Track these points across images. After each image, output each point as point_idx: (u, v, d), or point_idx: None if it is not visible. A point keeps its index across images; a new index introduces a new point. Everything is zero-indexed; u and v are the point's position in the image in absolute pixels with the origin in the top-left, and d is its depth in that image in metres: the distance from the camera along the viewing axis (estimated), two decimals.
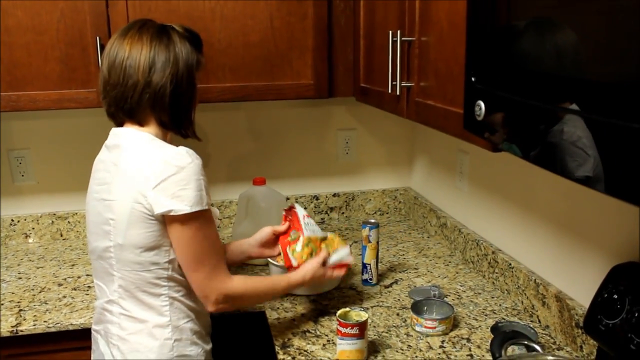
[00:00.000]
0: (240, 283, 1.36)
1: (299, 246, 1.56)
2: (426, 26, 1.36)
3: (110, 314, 1.34)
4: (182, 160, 1.23)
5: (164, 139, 1.34)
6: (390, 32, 1.47)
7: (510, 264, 1.66)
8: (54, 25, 1.72)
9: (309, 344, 1.48)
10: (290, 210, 1.65)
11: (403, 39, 1.44)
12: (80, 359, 1.64)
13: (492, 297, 1.69)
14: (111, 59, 1.29)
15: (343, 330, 1.38)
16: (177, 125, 1.34)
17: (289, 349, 1.45)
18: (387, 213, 2.43)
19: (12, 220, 2.14)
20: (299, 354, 1.43)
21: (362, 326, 1.38)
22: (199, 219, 1.24)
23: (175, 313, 1.33)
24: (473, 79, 1.01)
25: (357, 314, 1.42)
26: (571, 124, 0.74)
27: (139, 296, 1.30)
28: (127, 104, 1.29)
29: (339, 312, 1.42)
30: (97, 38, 1.72)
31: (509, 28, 0.90)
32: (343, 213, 2.39)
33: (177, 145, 1.28)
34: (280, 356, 1.43)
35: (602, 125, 0.68)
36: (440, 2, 1.27)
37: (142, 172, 1.23)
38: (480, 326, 1.54)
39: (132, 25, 1.32)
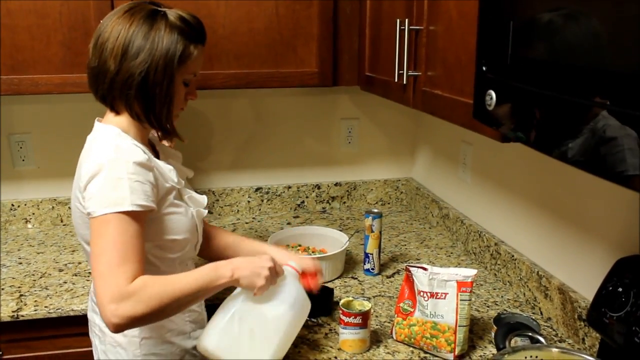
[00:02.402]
0: (140, 280, 1.09)
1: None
2: (435, 15, 1.35)
3: (94, 304, 1.33)
4: (105, 157, 1.15)
5: (140, 133, 1.26)
6: (398, 20, 1.45)
7: (512, 256, 1.66)
8: (57, 8, 1.70)
9: (311, 332, 1.48)
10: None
11: (411, 27, 1.42)
12: (81, 344, 1.64)
13: (494, 289, 1.69)
14: (95, 38, 1.23)
15: (346, 319, 1.37)
16: (149, 120, 1.24)
17: None
18: (389, 203, 2.43)
19: (13, 205, 2.13)
20: (302, 342, 1.43)
21: (366, 316, 1.37)
22: (107, 221, 1.10)
23: None
24: (484, 68, 1.00)
25: (360, 304, 1.42)
26: (593, 114, 0.73)
27: None
28: (100, 89, 1.24)
29: (342, 301, 1.41)
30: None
31: (523, 17, 0.89)
32: (344, 202, 2.39)
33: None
34: None
35: (625, 117, 0.67)
36: None
37: (81, 171, 1.18)
38: (482, 317, 1.54)
39: (125, 5, 1.24)
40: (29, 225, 2.17)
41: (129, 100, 1.21)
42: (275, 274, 1.24)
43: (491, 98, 0.97)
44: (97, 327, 1.33)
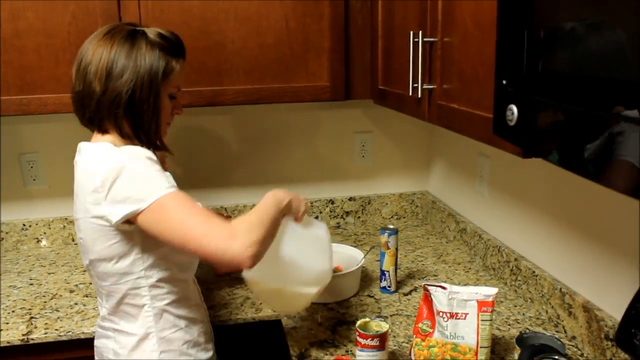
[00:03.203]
0: (233, 221, 1.16)
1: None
2: (449, 26, 1.31)
3: (105, 330, 1.33)
4: (120, 159, 1.16)
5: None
6: (411, 32, 1.42)
7: (534, 272, 1.61)
8: (65, 27, 1.69)
9: (327, 354, 1.43)
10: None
11: (425, 39, 1.39)
12: None
13: (515, 306, 1.64)
14: (77, 63, 1.25)
15: (363, 341, 1.33)
16: (139, 137, 1.27)
17: None
18: (404, 217, 2.38)
19: (24, 224, 2.12)
20: None
21: (383, 337, 1.33)
22: (162, 204, 1.14)
23: (160, 323, 1.28)
24: (504, 81, 0.96)
25: (378, 325, 1.37)
26: (617, 130, 0.69)
27: (124, 309, 1.28)
28: (86, 112, 1.25)
29: (358, 322, 1.37)
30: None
31: (545, 28, 0.85)
32: (359, 217, 2.34)
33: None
34: None
35: None
36: (465, 2, 1.22)
37: (92, 185, 1.17)
38: (503, 336, 1.48)
39: (104, 29, 1.27)
40: (41, 245, 2.15)
41: (117, 119, 1.23)
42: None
43: (512, 113, 0.93)
44: (112, 352, 1.30)
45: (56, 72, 1.71)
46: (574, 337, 1.45)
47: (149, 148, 1.28)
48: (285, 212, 1.30)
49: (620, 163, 0.70)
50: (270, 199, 1.26)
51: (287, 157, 2.26)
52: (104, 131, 1.27)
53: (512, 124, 0.93)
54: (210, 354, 1.39)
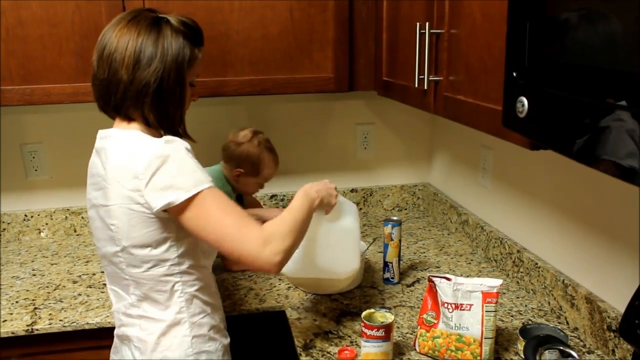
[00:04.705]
0: (268, 225, 1.20)
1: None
2: (457, 18, 1.31)
3: (129, 318, 1.31)
4: (165, 149, 1.16)
5: (155, 136, 1.26)
6: (418, 24, 1.42)
7: (536, 264, 1.62)
8: (69, 16, 1.68)
9: (331, 345, 1.44)
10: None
11: (431, 31, 1.39)
12: (97, 358, 1.61)
13: (517, 297, 1.65)
14: (99, 51, 1.23)
15: (368, 332, 1.33)
16: (164, 125, 1.26)
17: (311, 351, 1.42)
18: (406, 209, 2.39)
19: (26, 215, 2.11)
20: (322, 356, 1.40)
21: (388, 328, 1.33)
22: (203, 198, 1.16)
23: (191, 309, 1.29)
24: (514, 73, 0.96)
25: (383, 315, 1.38)
26: (626, 120, 0.70)
27: (154, 296, 1.27)
28: (112, 100, 1.23)
29: (363, 313, 1.37)
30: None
31: (557, 19, 0.85)
32: (361, 209, 2.35)
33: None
34: (303, 358, 1.39)
35: None
36: None
37: (132, 172, 1.17)
38: (506, 327, 1.49)
39: (125, 15, 1.25)
40: (42, 235, 2.15)
41: (144, 108, 1.22)
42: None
43: (523, 105, 0.93)
44: (136, 339, 1.29)
45: (60, 62, 1.71)
46: (576, 329, 1.46)
47: (174, 135, 1.28)
48: (316, 209, 1.35)
49: (632, 155, 0.70)
50: (302, 200, 1.30)
51: (288, 148, 2.25)
52: (129, 119, 1.25)
53: (522, 115, 0.94)
54: (228, 340, 1.40)
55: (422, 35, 1.41)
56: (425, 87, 1.43)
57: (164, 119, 1.25)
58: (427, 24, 1.39)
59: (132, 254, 1.24)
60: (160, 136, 1.28)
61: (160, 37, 1.21)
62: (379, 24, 1.81)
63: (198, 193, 1.15)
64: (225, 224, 1.16)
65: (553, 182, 1.57)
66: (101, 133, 1.29)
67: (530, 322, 1.48)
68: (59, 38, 1.69)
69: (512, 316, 1.55)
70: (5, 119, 2.03)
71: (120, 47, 1.19)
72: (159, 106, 1.23)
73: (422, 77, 1.43)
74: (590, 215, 1.42)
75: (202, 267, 1.32)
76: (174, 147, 1.17)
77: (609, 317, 1.34)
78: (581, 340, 1.43)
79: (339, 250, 1.52)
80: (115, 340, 1.39)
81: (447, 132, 2.22)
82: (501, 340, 1.44)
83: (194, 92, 1.33)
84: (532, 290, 1.64)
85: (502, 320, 1.53)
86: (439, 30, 1.37)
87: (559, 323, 1.51)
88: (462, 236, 2.06)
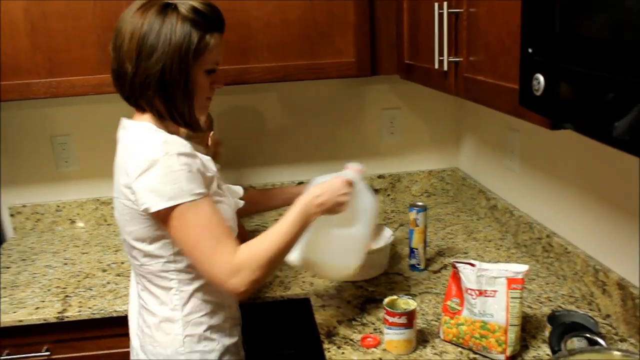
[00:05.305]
0: (244, 251, 1.18)
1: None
2: None
3: (136, 304, 1.34)
4: (156, 152, 1.13)
5: (170, 128, 1.25)
6: (436, 4, 1.38)
7: (566, 249, 1.56)
8: (90, 9, 1.70)
9: (355, 332, 1.43)
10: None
11: (450, 10, 1.34)
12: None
13: (547, 284, 1.60)
14: (112, 40, 1.21)
15: (390, 319, 1.32)
16: (173, 117, 1.23)
17: (334, 338, 1.41)
18: (434, 195, 2.35)
19: (58, 206, 2.16)
20: (345, 343, 1.39)
21: (411, 315, 1.32)
22: (182, 212, 1.13)
23: (187, 307, 1.26)
24: (530, 50, 0.92)
25: (405, 302, 1.36)
26: None
27: (152, 289, 1.27)
28: (122, 91, 1.23)
29: (386, 300, 1.36)
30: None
31: None
32: (389, 195, 2.32)
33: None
34: (326, 345, 1.39)
35: None
36: None
37: (125, 168, 1.17)
38: (535, 314, 1.45)
39: (138, 2, 1.20)
40: (76, 225, 2.19)
41: (149, 100, 1.21)
42: (350, 193, 1.34)
43: (539, 83, 0.89)
44: (138, 328, 1.33)
45: (83, 54, 1.73)
46: (608, 316, 1.41)
47: (184, 127, 1.28)
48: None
49: None
50: (297, 217, 1.23)
51: (314, 135, 2.24)
52: (142, 110, 1.24)
53: (538, 94, 0.90)
54: (235, 339, 1.36)
55: (440, 15, 1.37)
56: (445, 69, 1.39)
57: (173, 111, 1.21)
58: (445, 3, 1.35)
59: (131, 246, 1.25)
60: (175, 128, 1.27)
61: (164, 25, 1.16)
62: (400, 5, 1.77)
63: (176, 206, 1.13)
64: (199, 244, 1.15)
65: (582, 163, 1.51)
66: (121, 122, 1.28)
67: (559, 309, 1.43)
68: (82, 31, 1.71)
69: (541, 303, 1.51)
70: (35, 112, 2.08)
71: (127, 37, 1.17)
72: (164, 98, 1.20)
73: (442, 58, 1.39)
74: (620, 197, 1.37)
75: None
76: (165, 153, 1.13)
77: None
78: (613, 328, 1.38)
79: (341, 253, 1.43)
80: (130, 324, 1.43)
81: (474, 115, 2.16)
82: (529, 327, 1.40)
83: (215, 80, 1.27)
84: (562, 276, 1.59)
85: (531, 307, 1.49)
86: (457, 10, 1.33)
87: (590, 310, 1.46)
88: (492, 221, 2.01)
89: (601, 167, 1.43)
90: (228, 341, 1.33)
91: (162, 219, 1.16)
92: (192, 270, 1.25)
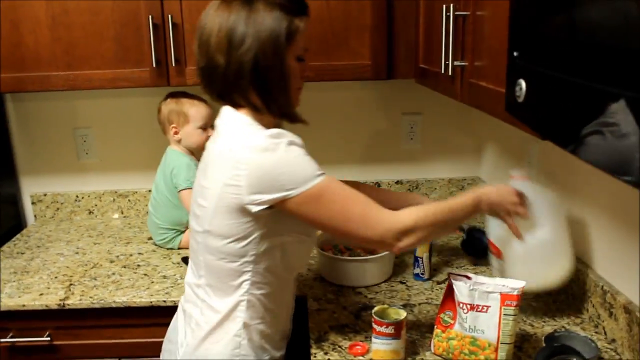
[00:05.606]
0: (408, 212, 1.19)
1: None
2: None
3: (195, 296, 1.28)
4: (268, 143, 1.11)
5: (265, 122, 1.21)
6: (444, 6, 1.33)
7: (576, 266, 1.48)
8: (109, 4, 1.73)
9: (345, 339, 1.40)
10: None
11: (457, 13, 1.30)
12: (122, 336, 1.66)
13: (554, 302, 1.53)
14: (197, 38, 1.19)
15: (378, 328, 1.28)
16: (272, 108, 1.19)
17: (322, 343, 1.38)
18: None
19: (77, 196, 2.21)
20: (333, 349, 1.36)
21: (399, 326, 1.27)
22: (318, 191, 1.13)
23: (250, 311, 1.23)
24: (515, 53, 0.87)
25: (396, 312, 1.32)
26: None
27: (220, 286, 1.23)
28: (214, 87, 1.20)
29: (375, 308, 1.32)
30: (150, 17, 1.71)
31: None
32: None
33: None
34: (313, 350, 1.36)
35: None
36: None
37: (231, 161, 1.13)
38: (535, 333, 1.39)
39: (216, 2, 1.18)
40: (93, 216, 2.24)
41: (244, 91, 1.17)
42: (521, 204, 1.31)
43: (521, 88, 0.84)
44: (194, 320, 1.27)
45: (101, 49, 1.76)
46: (613, 340, 1.33)
47: (282, 119, 1.25)
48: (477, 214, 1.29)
49: (624, 147, 0.61)
50: (469, 202, 1.25)
51: (331, 138, 2.21)
52: (237, 106, 1.21)
53: (520, 100, 0.85)
54: (282, 352, 1.34)
55: (447, 17, 1.33)
56: (450, 73, 1.34)
57: (270, 101, 1.18)
58: (452, 5, 1.30)
59: (210, 240, 1.21)
60: (272, 123, 1.24)
61: (252, 12, 1.13)
62: (417, 9, 1.72)
63: (309, 189, 1.12)
64: (353, 214, 1.16)
65: (597, 179, 1.43)
66: (221, 111, 1.24)
67: (561, 330, 1.36)
68: (100, 26, 1.75)
69: (544, 322, 1.44)
70: (59, 104, 2.13)
71: (214, 31, 1.14)
72: (259, 87, 1.16)
73: (448, 62, 1.34)
74: (634, 217, 1.28)
75: (280, 274, 1.26)
76: (280, 140, 1.12)
77: None
78: (618, 354, 1.30)
79: (541, 262, 1.39)
80: (179, 311, 1.36)
81: (496, 124, 2.08)
82: (526, 346, 1.34)
83: (305, 67, 1.24)
84: (571, 294, 1.51)
85: (532, 325, 1.42)
86: (464, 12, 1.29)
87: (596, 333, 1.38)
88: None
89: (615, 184, 1.35)
90: (276, 354, 1.31)
91: (291, 207, 1.13)
92: (267, 274, 1.22)
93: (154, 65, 1.74)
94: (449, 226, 1.26)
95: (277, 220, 1.17)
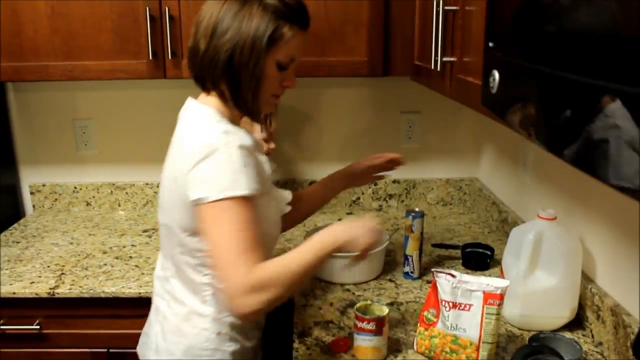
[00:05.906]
0: (263, 270, 1.07)
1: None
2: None
3: (163, 290, 1.29)
4: (216, 141, 1.10)
5: (230, 113, 1.22)
6: (435, 1, 1.32)
7: None
8: None
9: (328, 335, 1.39)
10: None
11: (446, 8, 1.29)
12: (110, 326, 1.67)
13: None
14: (195, 23, 1.21)
15: (359, 324, 1.27)
16: (235, 101, 1.19)
17: (305, 338, 1.38)
18: (451, 204, 2.26)
19: (75, 187, 2.23)
20: (315, 344, 1.35)
21: (380, 322, 1.26)
22: (227, 205, 1.08)
23: (218, 305, 1.22)
24: (491, 44, 0.86)
25: (379, 309, 1.31)
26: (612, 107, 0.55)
27: (185, 279, 1.23)
28: (193, 68, 1.22)
29: (358, 304, 1.31)
30: (147, 9, 1.71)
31: None
32: (402, 201, 2.25)
33: None
34: (295, 345, 1.35)
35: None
36: None
37: (181, 152, 1.15)
38: (522, 334, 1.37)
39: None
40: (90, 208, 2.25)
41: (215, 79, 1.18)
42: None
43: (494, 80, 0.83)
44: (162, 314, 1.28)
45: (99, 40, 1.77)
46: (600, 343, 1.31)
47: (246, 115, 1.24)
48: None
49: (600, 144, 0.59)
50: (325, 245, 1.15)
51: (329, 136, 2.21)
52: (207, 91, 1.23)
53: (493, 91, 0.84)
54: (254, 342, 1.33)
55: (437, 13, 1.31)
56: (439, 69, 1.33)
57: (237, 97, 1.19)
58: (441, 0, 1.29)
59: (171, 234, 1.21)
60: (238, 118, 1.25)
61: (244, 8, 1.15)
62: (414, 5, 1.71)
63: (222, 200, 1.07)
64: (222, 249, 1.07)
65: (593, 180, 1.40)
66: (186, 102, 1.26)
67: (546, 331, 1.34)
68: (98, 17, 1.75)
69: None
70: (60, 95, 2.15)
71: (206, 17, 1.17)
72: (230, 80, 1.17)
73: (437, 58, 1.33)
74: (627, 220, 1.26)
75: None
76: (225, 143, 1.10)
77: (633, 333, 1.18)
78: (604, 357, 1.28)
79: (550, 305, 1.37)
80: (152, 308, 1.36)
81: (495, 123, 2.07)
82: (511, 347, 1.32)
83: (287, 77, 1.24)
84: None
85: (520, 327, 1.40)
86: (454, 7, 1.27)
87: (583, 335, 1.36)
88: (501, 235, 1.92)
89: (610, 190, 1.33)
90: (247, 343, 1.30)
91: (200, 208, 1.10)
92: None
93: (151, 58, 1.75)
94: (304, 274, 1.12)
95: None
